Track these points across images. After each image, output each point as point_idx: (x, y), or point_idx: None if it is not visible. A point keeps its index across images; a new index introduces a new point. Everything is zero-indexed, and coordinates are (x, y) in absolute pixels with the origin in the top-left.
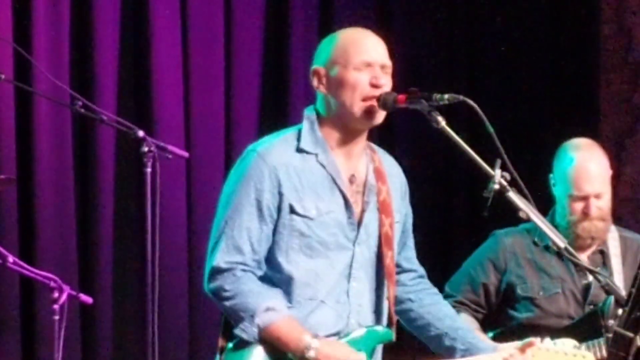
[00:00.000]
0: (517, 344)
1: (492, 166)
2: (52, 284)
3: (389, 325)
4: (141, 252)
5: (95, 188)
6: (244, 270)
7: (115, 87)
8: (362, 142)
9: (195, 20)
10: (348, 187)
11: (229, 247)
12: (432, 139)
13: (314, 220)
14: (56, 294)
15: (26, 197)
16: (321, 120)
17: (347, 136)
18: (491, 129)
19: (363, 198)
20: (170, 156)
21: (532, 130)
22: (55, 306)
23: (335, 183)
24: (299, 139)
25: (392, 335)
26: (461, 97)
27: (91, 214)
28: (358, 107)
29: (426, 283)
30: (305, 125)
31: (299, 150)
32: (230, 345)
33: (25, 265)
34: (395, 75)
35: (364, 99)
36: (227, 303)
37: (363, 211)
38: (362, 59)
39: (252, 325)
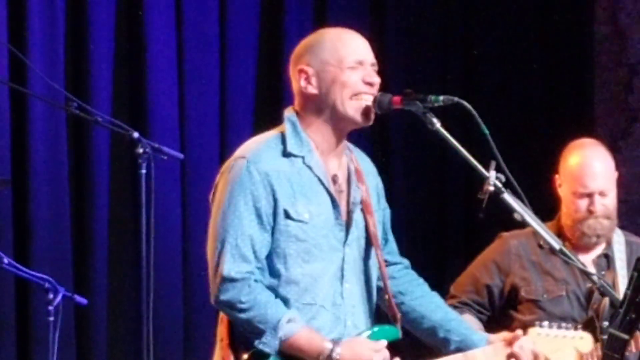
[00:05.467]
0: (504, 335)
1: (487, 168)
2: (47, 285)
3: (394, 322)
4: (136, 254)
5: (90, 189)
6: (255, 281)
7: (110, 89)
8: (343, 141)
9: (190, 22)
10: (332, 188)
11: (235, 256)
12: (427, 141)
13: (308, 224)
14: (51, 295)
15: (21, 198)
16: (304, 120)
17: (333, 136)
18: (486, 131)
19: (349, 198)
20: (165, 157)
21: (527, 131)
22: (50, 307)
23: (323, 184)
24: (283, 143)
25: (399, 332)
26: (456, 99)
27: (86, 215)
28: (354, 106)
29: (413, 274)
30: (288, 127)
31: (286, 154)
32: (245, 357)
33: (20, 267)
34: (390, 77)
35: (357, 94)
36: (244, 315)
37: (350, 212)
38: (355, 57)
39: (274, 337)
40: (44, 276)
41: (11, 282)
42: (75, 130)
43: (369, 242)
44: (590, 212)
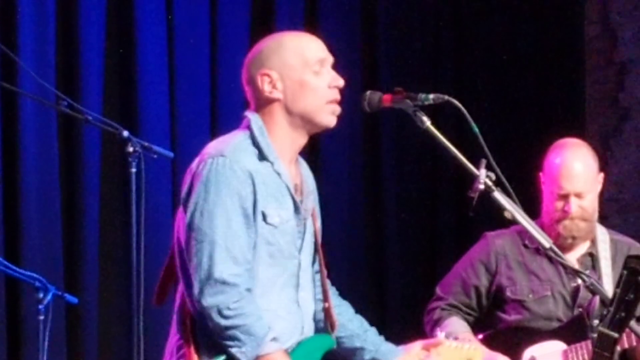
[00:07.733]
0: (422, 343)
1: (478, 166)
2: (37, 284)
3: (331, 331)
4: (126, 252)
5: (81, 188)
6: (247, 290)
7: (100, 87)
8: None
9: (181, 20)
10: (295, 195)
11: (226, 258)
12: (418, 140)
13: (277, 229)
14: (41, 294)
15: (11, 197)
16: (267, 126)
17: (296, 143)
18: (476, 129)
19: (302, 205)
20: (155, 156)
21: (518, 130)
22: (41, 306)
23: (289, 191)
24: (256, 145)
25: (335, 342)
26: (446, 97)
27: (76, 214)
28: (324, 111)
29: (332, 286)
30: (255, 131)
31: (260, 157)
32: None
33: (10, 265)
34: (380, 75)
35: (328, 102)
36: (227, 322)
37: (304, 219)
38: (318, 56)
39: (254, 351)
40: (35, 275)
41: (1, 281)
42: (66, 129)
43: (316, 250)
44: (565, 212)
